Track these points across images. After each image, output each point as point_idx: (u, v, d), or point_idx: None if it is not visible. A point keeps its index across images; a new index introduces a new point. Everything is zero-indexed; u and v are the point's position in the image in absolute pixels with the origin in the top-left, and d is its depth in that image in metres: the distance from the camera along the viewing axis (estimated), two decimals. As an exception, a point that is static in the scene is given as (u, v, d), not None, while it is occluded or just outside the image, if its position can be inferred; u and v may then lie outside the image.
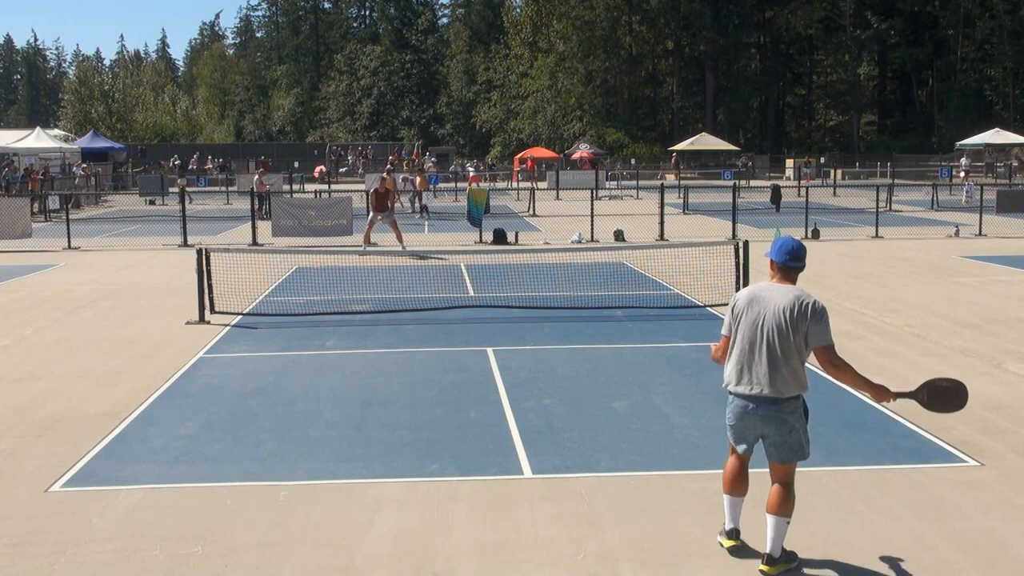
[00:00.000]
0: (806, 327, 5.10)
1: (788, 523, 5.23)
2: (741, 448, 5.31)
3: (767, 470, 5.34)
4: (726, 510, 5.48)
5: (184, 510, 6.21)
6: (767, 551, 5.21)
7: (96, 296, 15.16)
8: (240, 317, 13.00)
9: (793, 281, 5.29)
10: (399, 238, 20.79)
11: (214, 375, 9.89)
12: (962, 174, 43.76)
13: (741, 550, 5.44)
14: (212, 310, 12.94)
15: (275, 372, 9.97)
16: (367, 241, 20.88)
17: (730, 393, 5.30)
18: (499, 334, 11.85)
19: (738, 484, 5.42)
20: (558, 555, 5.51)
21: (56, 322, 12.98)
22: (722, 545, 5.50)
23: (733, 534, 5.46)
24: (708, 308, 13.29)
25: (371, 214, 21.09)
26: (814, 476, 6.73)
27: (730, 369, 5.27)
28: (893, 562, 5.40)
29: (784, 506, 5.18)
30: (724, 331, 5.38)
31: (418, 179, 33.16)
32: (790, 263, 5.27)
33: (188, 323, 12.56)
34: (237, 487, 6.60)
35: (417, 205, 31.83)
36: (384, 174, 25.03)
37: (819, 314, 5.11)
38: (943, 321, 12.41)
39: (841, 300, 14.11)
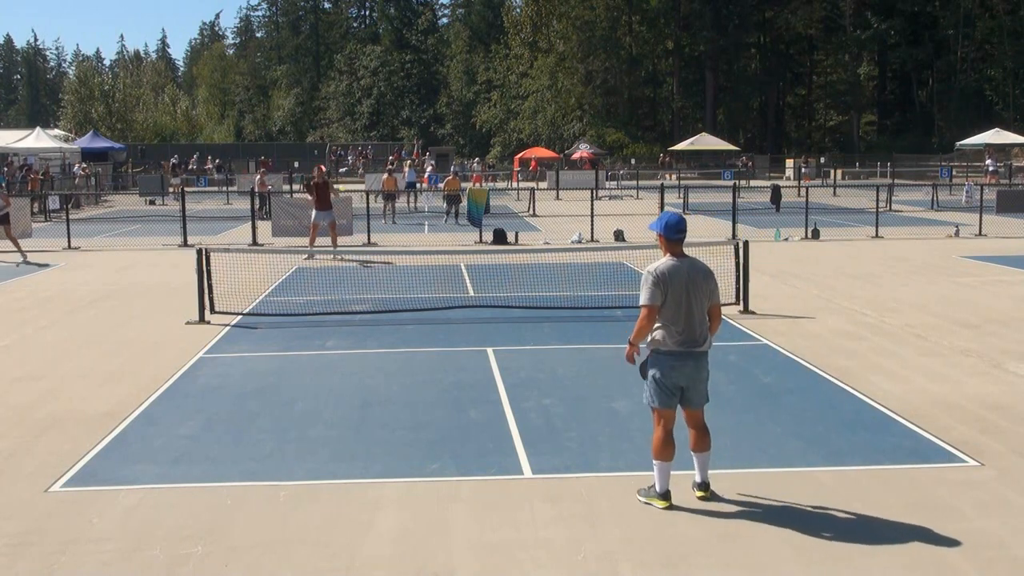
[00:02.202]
0: (711, 288, 6.21)
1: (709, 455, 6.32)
2: (671, 404, 6.16)
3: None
4: (662, 476, 6.14)
5: (184, 510, 6.21)
6: (701, 481, 6.28)
7: (96, 296, 15.16)
8: (240, 317, 13.00)
9: (681, 251, 6.25)
10: (334, 240, 19.98)
11: (214, 375, 9.89)
12: (990, 169, 44.27)
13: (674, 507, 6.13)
14: (212, 310, 12.94)
15: (275, 372, 9.98)
16: (312, 243, 19.61)
17: (667, 353, 6.06)
18: (499, 334, 11.85)
19: (672, 448, 6.17)
20: (558, 555, 5.52)
21: (56, 322, 12.98)
22: (654, 505, 6.14)
23: (668, 495, 6.16)
24: (708, 308, 13.28)
25: (312, 215, 19.70)
26: (813, 476, 6.74)
27: (669, 332, 6.06)
28: (892, 562, 5.40)
29: (708, 442, 6.27)
30: (651, 301, 6.06)
31: (449, 178, 31.60)
32: (674, 236, 6.21)
33: (188, 323, 12.56)
34: (237, 487, 6.61)
35: (447, 207, 30.02)
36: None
37: (712, 274, 6.30)
38: (943, 321, 12.41)
39: (841, 300, 14.12)
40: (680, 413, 6.28)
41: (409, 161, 53.24)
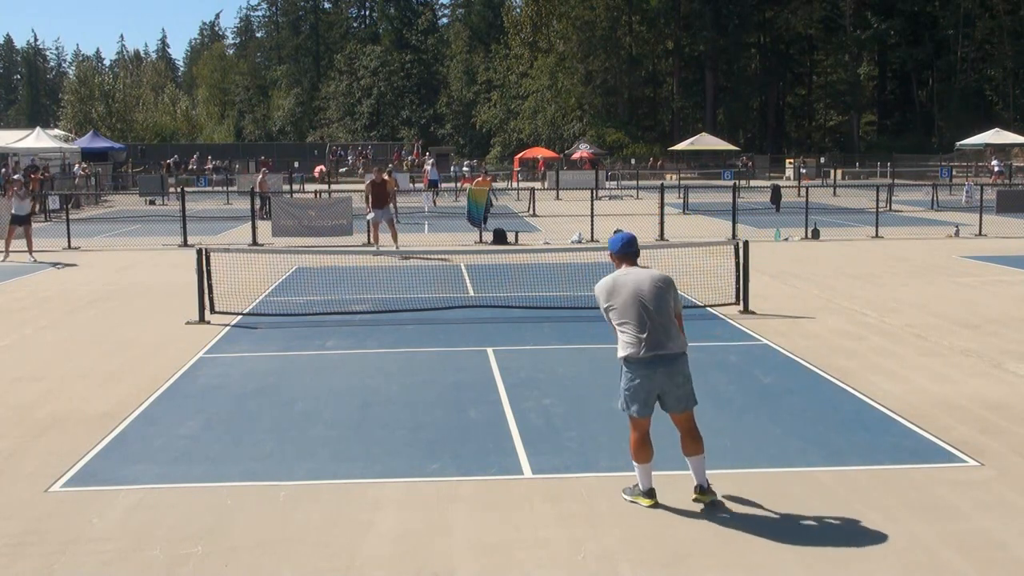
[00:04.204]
0: (672, 293, 6.17)
1: (704, 458, 6.18)
2: (645, 413, 6.05)
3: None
4: (644, 476, 6.18)
5: (184, 510, 6.21)
6: (697, 483, 6.16)
7: (96, 296, 15.16)
8: (240, 317, 13.00)
9: (629, 264, 6.30)
10: (394, 237, 20.58)
11: (214, 375, 9.89)
12: (996, 169, 44.59)
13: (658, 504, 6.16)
14: (212, 310, 12.94)
15: (275, 372, 9.98)
16: (377, 242, 20.68)
17: (636, 360, 5.98)
18: (499, 334, 11.85)
19: (649, 450, 6.16)
20: (558, 555, 5.52)
21: (56, 322, 12.98)
22: (639, 504, 6.17)
23: (652, 493, 6.20)
24: (708, 308, 13.29)
25: (371, 213, 20.76)
26: (813, 476, 6.74)
27: (631, 339, 6.00)
28: (892, 562, 5.40)
29: (699, 445, 6.14)
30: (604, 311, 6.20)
31: (480, 179, 30.97)
32: (627, 249, 6.34)
33: (188, 323, 12.56)
34: (237, 487, 6.61)
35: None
36: (385, 174, 24.51)
37: (673, 283, 6.27)
38: (943, 321, 12.41)
39: (841, 300, 14.12)
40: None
41: (432, 160, 53.49)
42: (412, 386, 9.30)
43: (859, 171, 57.02)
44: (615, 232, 6.69)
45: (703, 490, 6.17)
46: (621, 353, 6.06)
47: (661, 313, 6.03)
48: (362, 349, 11.06)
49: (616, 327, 6.09)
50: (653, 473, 6.19)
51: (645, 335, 5.96)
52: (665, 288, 6.11)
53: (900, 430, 7.82)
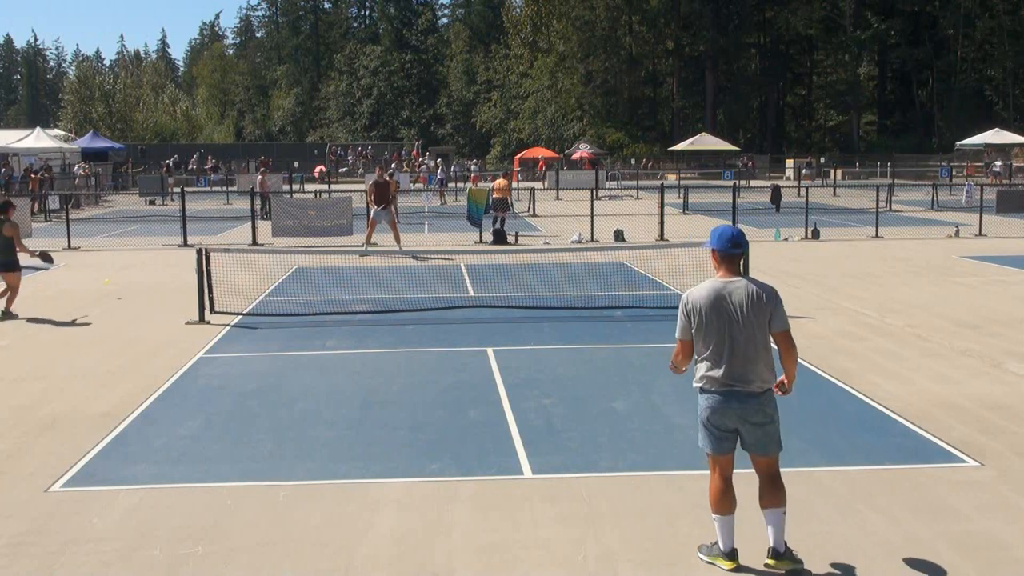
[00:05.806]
0: (768, 314, 5.22)
1: (785, 513, 5.30)
2: (723, 449, 5.29)
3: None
4: (724, 532, 5.32)
5: (184, 510, 6.21)
6: (772, 544, 5.27)
7: (96, 296, 15.16)
8: (240, 317, 12.99)
9: (737, 269, 5.35)
10: (397, 238, 20.75)
11: (214, 375, 9.89)
12: (996, 169, 44.87)
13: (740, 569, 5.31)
14: (212, 310, 12.94)
15: (275, 372, 9.97)
16: (368, 241, 20.84)
17: (712, 393, 5.25)
18: (499, 334, 11.84)
19: (731, 500, 5.34)
20: (558, 555, 5.51)
21: (56, 322, 12.96)
22: (718, 566, 5.31)
23: (734, 555, 5.31)
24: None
25: (371, 212, 20.93)
26: (814, 476, 6.74)
27: (709, 369, 5.25)
28: (893, 563, 5.39)
29: (780, 497, 5.27)
30: (679, 335, 5.38)
31: (501, 182, 27.61)
32: (731, 250, 5.32)
33: (188, 323, 12.56)
34: (237, 487, 6.60)
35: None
36: (387, 175, 24.44)
37: (776, 299, 5.27)
38: (943, 321, 12.40)
39: (841, 300, 14.11)
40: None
41: (440, 159, 53.91)
42: (412, 386, 9.30)
43: (859, 171, 57.00)
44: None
45: (778, 554, 5.24)
46: (696, 383, 5.34)
47: (750, 344, 5.17)
48: (362, 349, 11.06)
49: (695, 348, 5.33)
50: (651, 474, 6.14)
51: (723, 366, 5.18)
52: (763, 312, 5.20)
53: (901, 430, 7.82)
